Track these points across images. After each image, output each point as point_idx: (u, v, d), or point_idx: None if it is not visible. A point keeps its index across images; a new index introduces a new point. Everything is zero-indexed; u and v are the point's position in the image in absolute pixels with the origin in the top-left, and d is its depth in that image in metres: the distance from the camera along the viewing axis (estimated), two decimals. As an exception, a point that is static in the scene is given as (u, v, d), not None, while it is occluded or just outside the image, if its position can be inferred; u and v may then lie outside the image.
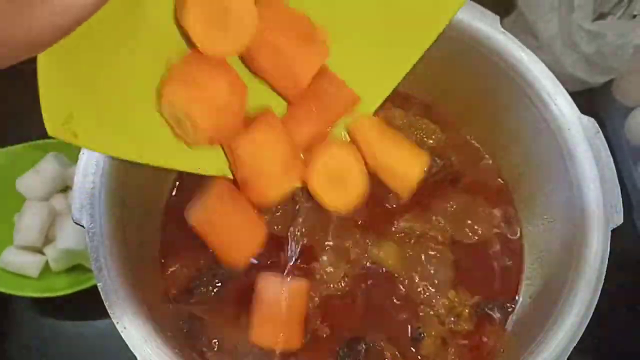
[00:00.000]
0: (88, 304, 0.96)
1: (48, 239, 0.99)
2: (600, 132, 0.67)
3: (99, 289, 0.56)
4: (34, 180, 1.01)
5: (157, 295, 0.69)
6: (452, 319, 0.72)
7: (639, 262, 1.06)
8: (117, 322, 0.55)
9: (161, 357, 0.54)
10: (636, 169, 1.08)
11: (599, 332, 0.95)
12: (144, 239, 0.71)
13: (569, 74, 1.08)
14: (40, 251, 0.98)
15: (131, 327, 0.55)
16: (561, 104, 0.69)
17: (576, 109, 0.69)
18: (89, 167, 0.62)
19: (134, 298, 0.57)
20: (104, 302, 0.55)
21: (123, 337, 0.54)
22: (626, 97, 1.15)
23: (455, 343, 0.71)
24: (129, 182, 0.66)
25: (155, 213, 0.78)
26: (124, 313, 0.55)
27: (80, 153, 0.63)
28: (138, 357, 0.54)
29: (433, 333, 0.70)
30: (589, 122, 0.67)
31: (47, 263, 0.97)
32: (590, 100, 1.14)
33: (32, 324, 0.98)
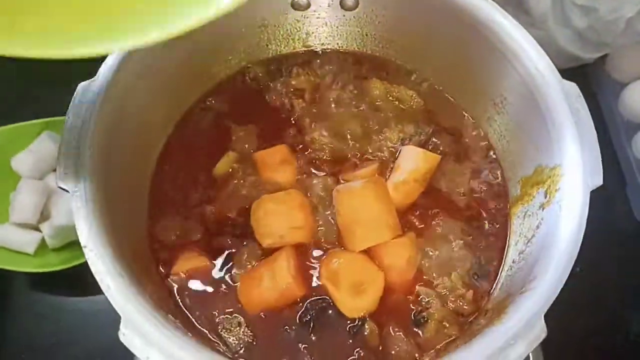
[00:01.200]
0: (84, 280, 0.97)
1: (43, 217, 1.00)
2: (581, 96, 0.68)
3: (84, 251, 0.57)
4: (29, 159, 1.01)
5: (142, 257, 0.70)
6: (455, 299, 0.73)
7: (632, 236, 1.06)
8: (101, 281, 0.56)
9: (143, 316, 0.54)
10: (629, 144, 1.08)
11: (590, 305, 0.97)
12: (130, 203, 0.73)
13: (562, 50, 1.08)
14: (36, 228, 0.99)
15: (115, 287, 0.56)
16: (543, 70, 0.70)
17: (557, 74, 0.69)
18: (73, 133, 0.62)
19: (118, 260, 0.58)
20: (88, 262, 0.56)
21: (107, 296, 0.55)
22: (619, 72, 1.14)
23: (455, 321, 0.72)
24: (114, 147, 0.67)
25: (141, 176, 0.80)
26: (108, 273, 0.56)
27: (66, 118, 0.64)
28: (121, 315, 0.55)
29: (436, 316, 0.71)
30: (570, 86, 0.68)
31: (43, 240, 0.98)
32: (584, 76, 1.14)
33: (29, 300, 1.00)
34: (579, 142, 0.65)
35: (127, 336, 0.53)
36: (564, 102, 0.67)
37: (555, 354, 0.83)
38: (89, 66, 1.08)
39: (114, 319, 0.94)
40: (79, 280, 0.97)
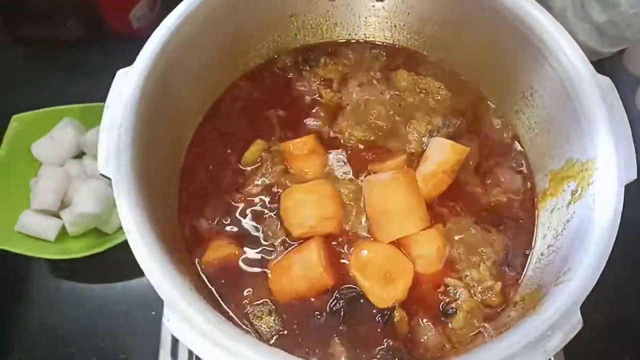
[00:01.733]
0: (104, 267, 0.99)
1: (64, 204, 1.00)
2: (616, 90, 0.68)
3: (127, 237, 0.57)
4: (49, 145, 1.02)
5: (177, 245, 0.71)
6: (483, 291, 0.73)
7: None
8: (145, 269, 0.56)
9: (186, 301, 0.55)
10: (645, 138, 1.09)
11: (609, 296, 0.97)
12: (165, 190, 0.73)
13: (580, 44, 1.07)
14: (56, 215, 0.99)
15: (159, 273, 0.57)
16: (577, 64, 0.70)
17: (592, 68, 0.69)
18: (113, 120, 0.63)
19: (159, 245, 0.58)
20: (132, 248, 0.57)
21: (151, 282, 0.56)
22: (637, 67, 1.15)
23: (483, 312, 0.73)
24: (151, 135, 0.67)
25: (175, 163, 0.80)
26: (152, 260, 0.57)
27: (105, 106, 0.64)
28: (165, 301, 0.55)
29: (464, 307, 0.72)
30: (604, 81, 0.68)
31: (63, 227, 0.98)
32: (602, 70, 1.13)
33: (49, 287, 1.00)
34: (614, 136, 0.66)
35: (172, 322, 0.53)
36: (598, 96, 0.67)
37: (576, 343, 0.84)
38: (105, 58, 1.10)
39: (134, 307, 0.96)
40: (99, 267, 0.98)
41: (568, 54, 0.70)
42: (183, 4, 0.72)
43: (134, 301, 0.98)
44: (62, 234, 0.98)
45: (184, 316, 0.54)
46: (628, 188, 0.64)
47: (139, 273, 0.56)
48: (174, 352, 0.85)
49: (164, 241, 0.61)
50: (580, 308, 0.59)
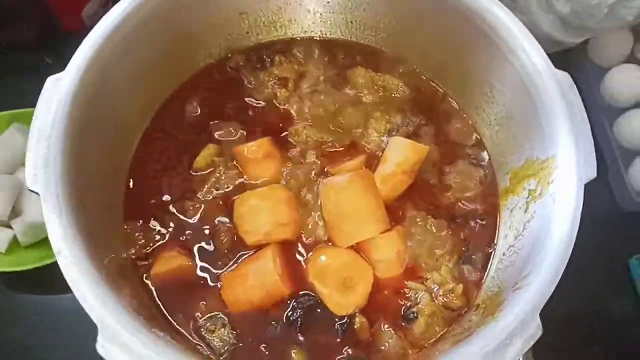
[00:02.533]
0: (59, 278, 0.95)
1: (15, 212, 0.96)
2: (575, 86, 0.66)
3: (57, 257, 0.53)
4: (-2, 152, 0.97)
5: (119, 259, 0.67)
6: (444, 294, 0.72)
7: (613, 223, 1.06)
8: (77, 289, 0.53)
9: (122, 325, 0.52)
10: (611, 129, 1.08)
11: (573, 290, 0.97)
12: (106, 202, 0.69)
13: (544, 35, 1.07)
14: (7, 225, 0.95)
15: (92, 296, 0.53)
16: (536, 60, 0.68)
17: (550, 64, 0.68)
18: (42, 132, 0.58)
19: (95, 265, 0.55)
20: (62, 270, 0.53)
21: (83, 306, 0.52)
22: (601, 57, 1.14)
23: (445, 316, 0.71)
24: (87, 144, 0.63)
25: (117, 173, 0.76)
26: (83, 283, 0.53)
27: (34, 115, 0.60)
28: (98, 325, 0.52)
29: (426, 311, 0.70)
30: (563, 76, 0.66)
31: (15, 237, 0.94)
32: (566, 61, 1.12)
33: (4, 300, 0.96)
34: (574, 134, 0.64)
35: (105, 348, 0.50)
36: (558, 93, 0.65)
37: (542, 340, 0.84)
38: (58, 59, 1.06)
39: (91, 319, 0.93)
40: (54, 278, 0.93)
41: (527, 50, 0.68)
42: (122, 3, 0.68)
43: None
44: (14, 244, 0.94)
45: (118, 340, 0.50)
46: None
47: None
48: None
49: (102, 258, 0.57)
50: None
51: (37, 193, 0.56)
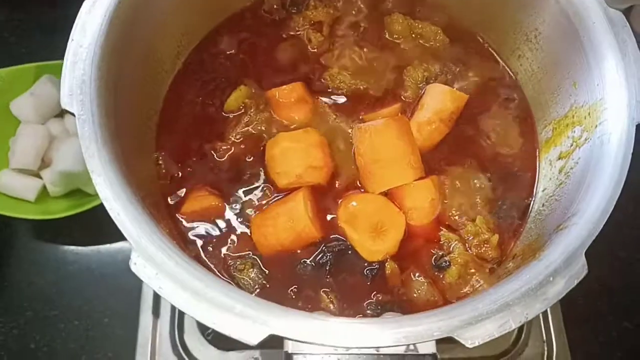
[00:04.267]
0: (87, 228, 0.95)
1: (45, 163, 0.96)
2: (628, 25, 0.63)
3: (91, 176, 0.53)
4: (29, 103, 0.97)
5: (152, 191, 0.67)
6: (479, 244, 0.69)
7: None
8: (110, 209, 0.52)
9: (155, 244, 0.51)
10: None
11: (607, 263, 0.94)
12: (140, 133, 0.68)
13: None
14: (37, 175, 0.95)
15: (125, 215, 0.52)
16: (586, -3, 0.64)
17: (602, 1, 0.64)
18: (78, 54, 0.58)
19: (128, 187, 0.54)
20: (97, 189, 0.52)
21: (116, 223, 0.51)
22: (645, 26, 1.09)
23: (479, 266, 0.69)
24: (122, 73, 0.62)
25: (151, 106, 0.75)
26: (117, 200, 0.52)
27: (69, 40, 0.59)
28: (132, 244, 0.51)
29: (459, 260, 0.68)
30: (616, 14, 0.63)
31: (44, 187, 0.94)
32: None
33: (31, 248, 0.96)
34: (624, 73, 0.60)
35: (138, 265, 0.49)
36: (609, 31, 0.62)
37: (572, 309, 0.81)
38: None
39: (117, 268, 0.93)
40: (81, 228, 0.95)
41: (576, -15, 0.65)
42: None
43: (117, 263, 0.95)
44: (43, 194, 0.94)
45: (152, 259, 0.50)
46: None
47: (122, 234, 0.52)
48: (156, 311, 0.81)
49: (136, 186, 0.57)
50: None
51: (72, 113, 0.55)
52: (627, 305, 0.95)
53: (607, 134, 0.60)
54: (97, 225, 0.92)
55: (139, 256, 0.49)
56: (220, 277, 0.67)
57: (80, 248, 0.97)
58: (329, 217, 0.71)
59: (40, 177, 0.95)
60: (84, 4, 0.61)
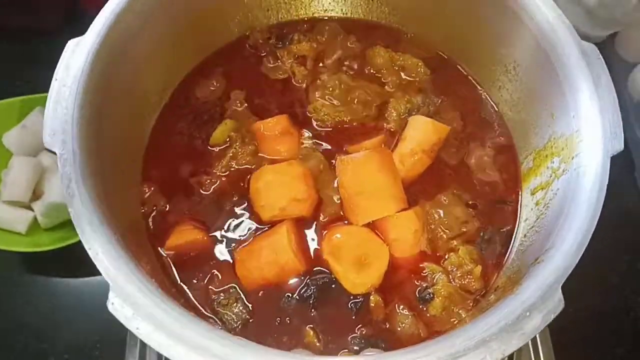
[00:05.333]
0: (77, 260, 0.95)
1: (36, 195, 0.97)
2: (601, 58, 0.64)
3: (70, 213, 0.53)
4: (21, 135, 0.98)
5: (135, 228, 0.67)
6: (462, 275, 0.70)
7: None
8: (90, 249, 0.52)
9: (133, 284, 0.51)
10: (638, 126, 1.05)
11: (598, 288, 0.94)
12: (124, 169, 0.69)
13: None
14: (28, 207, 0.95)
15: (103, 254, 0.52)
16: (560, 31, 0.66)
17: (575, 34, 0.65)
18: (61, 93, 0.59)
19: (107, 225, 0.54)
20: (76, 228, 0.53)
21: (95, 264, 0.52)
22: (629, 52, 1.11)
23: (463, 298, 0.69)
24: (106, 111, 0.63)
25: (136, 142, 0.76)
26: (96, 240, 0.53)
27: (53, 80, 0.60)
28: (110, 284, 0.51)
29: (442, 292, 0.68)
30: (589, 47, 0.64)
31: (35, 219, 0.94)
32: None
33: (21, 281, 0.96)
34: (599, 105, 0.61)
35: (115, 305, 0.49)
36: (583, 64, 0.63)
37: (563, 336, 0.81)
38: None
39: (105, 303, 0.93)
40: (72, 260, 0.94)
41: (549, 18, 0.66)
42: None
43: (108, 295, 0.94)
44: (34, 226, 0.94)
45: (129, 299, 0.50)
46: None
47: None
48: (144, 345, 0.80)
49: (117, 223, 0.57)
50: (569, 298, 0.54)
51: (53, 152, 0.56)
52: (616, 329, 0.94)
53: (582, 166, 0.61)
54: (88, 257, 0.90)
55: (116, 296, 0.49)
56: (203, 313, 0.66)
57: (71, 280, 0.97)
58: (313, 249, 0.71)
59: (32, 209, 0.95)
60: (69, 44, 0.62)
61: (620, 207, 1.01)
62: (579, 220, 0.57)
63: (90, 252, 0.52)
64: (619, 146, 0.60)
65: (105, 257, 0.52)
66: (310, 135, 0.78)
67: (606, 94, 0.62)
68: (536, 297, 0.52)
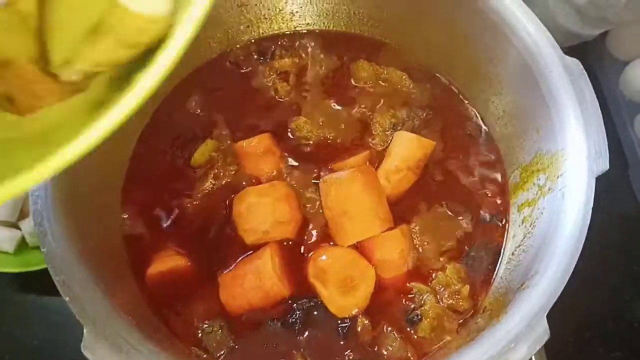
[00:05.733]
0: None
1: (23, 214, 0.96)
2: (585, 74, 0.62)
3: (43, 253, 0.52)
4: (6, 153, 0.97)
5: (114, 258, 0.66)
6: (450, 295, 0.69)
7: (634, 220, 1.01)
8: (64, 287, 0.51)
9: (112, 327, 0.50)
10: (631, 124, 1.03)
11: (592, 292, 0.93)
12: (102, 198, 0.68)
13: (561, 28, 1.03)
14: (15, 226, 0.94)
15: (80, 293, 0.51)
16: (543, 46, 0.65)
17: (559, 50, 0.64)
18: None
19: (84, 265, 0.53)
20: (48, 267, 0.51)
21: (69, 305, 0.51)
22: (621, 50, 1.09)
23: (451, 319, 0.68)
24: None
25: (115, 168, 0.75)
26: (72, 279, 0.52)
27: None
28: (85, 327, 0.50)
29: (430, 313, 0.67)
30: (573, 62, 0.63)
31: (23, 238, 0.93)
32: (584, 54, 1.08)
33: (10, 301, 0.95)
34: (583, 124, 0.60)
35: (89, 349, 0.48)
36: (566, 80, 0.61)
37: (557, 342, 0.80)
38: None
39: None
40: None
41: (532, 33, 0.65)
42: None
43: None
44: (22, 245, 0.93)
45: (106, 342, 0.48)
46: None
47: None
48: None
49: (95, 255, 0.56)
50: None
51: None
52: (616, 335, 0.93)
53: (567, 187, 0.60)
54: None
55: (91, 340, 0.48)
56: (186, 343, 0.65)
57: (60, 298, 0.96)
58: (298, 272, 0.70)
59: (19, 228, 0.94)
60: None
61: (613, 206, 0.99)
62: (563, 244, 0.56)
63: (62, 292, 0.51)
64: (604, 166, 0.59)
65: (82, 297, 0.51)
66: (294, 153, 0.77)
67: (591, 111, 0.61)
68: (521, 327, 0.52)
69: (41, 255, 0.90)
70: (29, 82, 0.42)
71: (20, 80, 0.42)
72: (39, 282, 0.94)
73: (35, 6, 0.42)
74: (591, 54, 1.10)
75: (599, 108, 0.62)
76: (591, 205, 0.57)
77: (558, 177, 0.62)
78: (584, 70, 0.63)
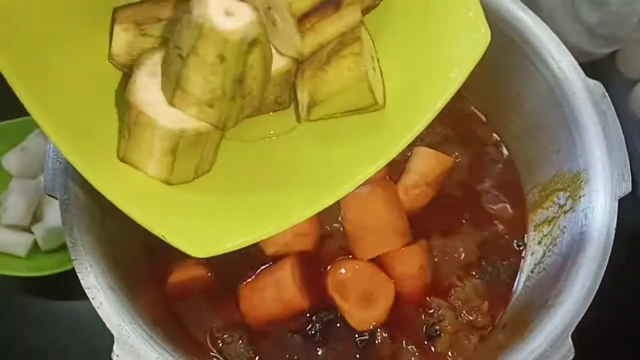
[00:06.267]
0: (78, 284, 0.94)
1: (36, 218, 0.96)
2: (607, 96, 0.64)
3: (73, 264, 0.53)
4: (20, 157, 0.98)
5: (137, 268, 0.66)
6: (469, 311, 0.69)
7: (642, 239, 1.02)
8: (93, 298, 0.51)
9: (138, 335, 0.50)
10: (640, 142, 1.05)
11: (603, 307, 0.93)
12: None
13: (571, 46, 1.02)
14: (28, 230, 0.95)
15: (107, 304, 0.52)
16: (565, 68, 0.66)
17: (581, 72, 0.65)
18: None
19: (112, 272, 0.54)
20: (78, 276, 0.52)
21: (99, 313, 0.51)
22: (630, 68, 1.11)
23: (470, 335, 0.69)
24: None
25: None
26: (100, 288, 0.52)
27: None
28: (115, 335, 0.51)
29: (449, 329, 0.67)
30: (595, 85, 0.64)
31: (35, 242, 0.94)
32: (594, 72, 1.09)
33: (22, 305, 0.96)
34: (606, 146, 0.61)
35: (120, 358, 0.49)
36: (589, 102, 0.62)
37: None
38: None
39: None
40: (74, 283, 0.93)
41: (556, 57, 0.66)
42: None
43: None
44: (34, 249, 0.94)
45: (136, 352, 0.49)
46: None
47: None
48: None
49: (120, 267, 0.56)
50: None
51: (55, 197, 0.55)
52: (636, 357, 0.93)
53: (590, 208, 0.60)
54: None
55: (121, 349, 0.49)
56: (208, 352, 0.66)
57: (72, 303, 0.96)
58: (317, 285, 0.70)
59: (32, 232, 0.95)
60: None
61: (621, 225, 1.00)
62: (586, 266, 0.56)
63: (94, 302, 0.52)
64: (627, 188, 0.60)
65: (110, 307, 0.52)
66: (314, 166, 0.77)
67: (613, 134, 0.62)
68: (545, 346, 0.52)
69: (52, 260, 0.93)
70: None
71: None
72: (49, 287, 0.95)
73: None
74: (600, 72, 1.11)
75: (621, 131, 0.62)
76: (614, 227, 0.58)
77: (580, 197, 0.62)
78: (606, 92, 0.64)
